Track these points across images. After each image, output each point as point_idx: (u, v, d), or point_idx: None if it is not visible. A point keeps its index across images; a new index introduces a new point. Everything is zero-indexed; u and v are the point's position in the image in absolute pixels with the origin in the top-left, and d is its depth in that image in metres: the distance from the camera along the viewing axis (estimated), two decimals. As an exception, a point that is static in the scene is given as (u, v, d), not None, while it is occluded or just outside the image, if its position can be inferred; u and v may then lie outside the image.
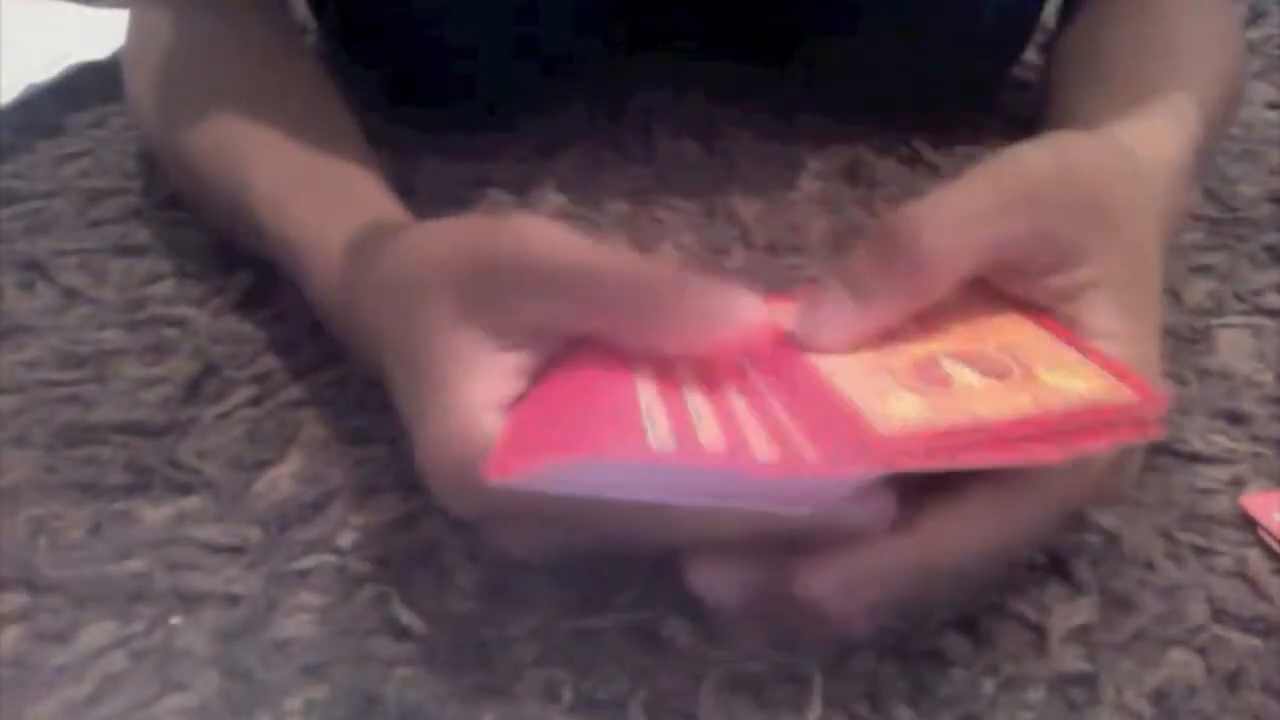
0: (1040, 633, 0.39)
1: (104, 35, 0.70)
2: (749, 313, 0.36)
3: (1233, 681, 0.38)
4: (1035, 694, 0.37)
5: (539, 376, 0.37)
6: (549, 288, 0.36)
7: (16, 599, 0.39)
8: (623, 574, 0.40)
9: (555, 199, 0.61)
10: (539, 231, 0.36)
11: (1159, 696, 0.37)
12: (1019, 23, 0.68)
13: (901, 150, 0.65)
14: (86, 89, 0.69)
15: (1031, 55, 0.71)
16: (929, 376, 0.35)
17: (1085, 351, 0.36)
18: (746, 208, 0.60)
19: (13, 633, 0.38)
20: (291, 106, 0.53)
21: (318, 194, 0.49)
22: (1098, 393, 0.34)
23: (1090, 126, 0.49)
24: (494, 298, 0.36)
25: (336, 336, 0.47)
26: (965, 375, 0.35)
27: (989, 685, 0.37)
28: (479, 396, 0.36)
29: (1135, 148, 0.42)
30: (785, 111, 0.67)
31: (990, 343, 0.37)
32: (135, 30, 0.60)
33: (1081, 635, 0.39)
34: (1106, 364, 0.36)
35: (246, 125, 0.51)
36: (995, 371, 0.36)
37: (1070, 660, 0.38)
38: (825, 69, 0.66)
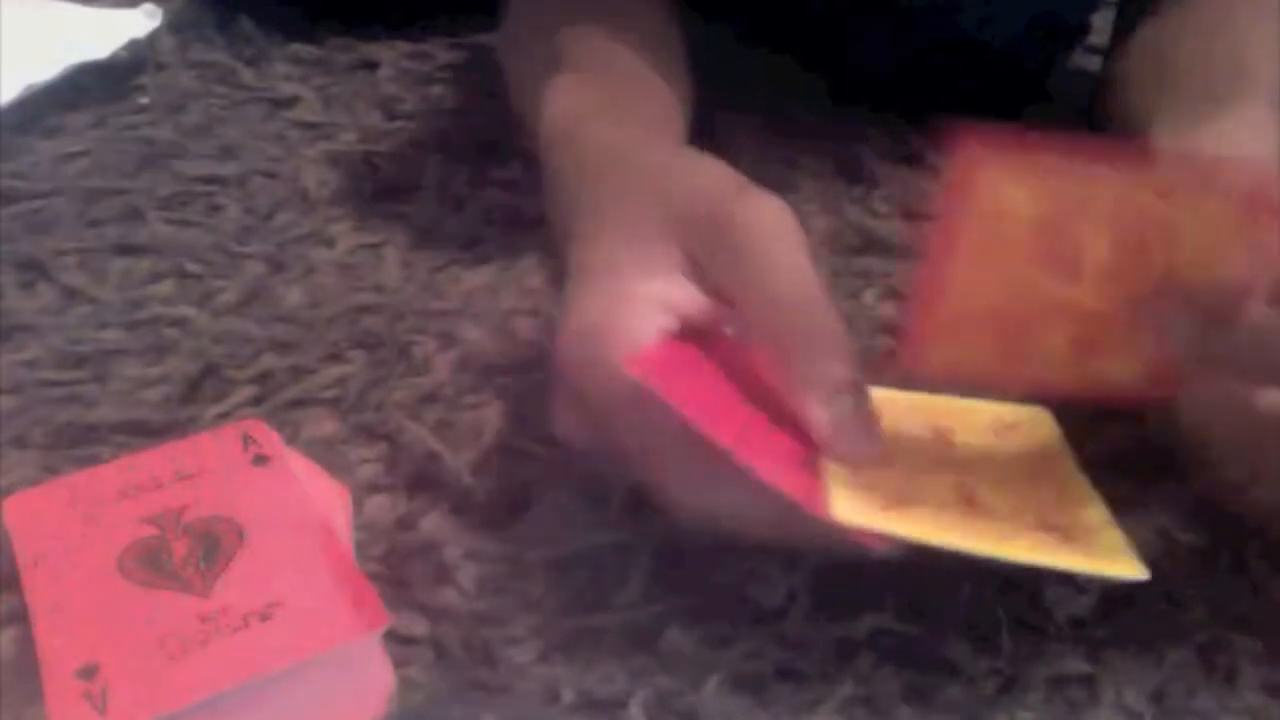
0: (1040, 633, 0.39)
1: (104, 35, 0.70)
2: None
3: (1231, 681, 0.38)
4: (1035, 694, 0.37)
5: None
6: (742, 278, 0.39)
7: (16, 599, 0.39)
8: (623, 574, 0.40)
9: (555, 199, 0.61)
10: (770, 230, 0.39)
11: (1159, 696, 0.37)
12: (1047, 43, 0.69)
13: (901, 150, 0.65)
14: (86, 89, 0.68)
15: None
16: None
17: None
18: (746, 208, 0.60)
19: (13, 633, 0.38)
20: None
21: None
22: None
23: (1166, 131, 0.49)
24: (708, 250, 0.40)
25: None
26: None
27: (989, 686, 0.38)
28: (653, 293, 0.39)
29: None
30: (785, 111, 0.67)
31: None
32: None
33: (1081, 636, 0.39)
34: None
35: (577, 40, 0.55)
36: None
37: (1070, 660, 0.38)
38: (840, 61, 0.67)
